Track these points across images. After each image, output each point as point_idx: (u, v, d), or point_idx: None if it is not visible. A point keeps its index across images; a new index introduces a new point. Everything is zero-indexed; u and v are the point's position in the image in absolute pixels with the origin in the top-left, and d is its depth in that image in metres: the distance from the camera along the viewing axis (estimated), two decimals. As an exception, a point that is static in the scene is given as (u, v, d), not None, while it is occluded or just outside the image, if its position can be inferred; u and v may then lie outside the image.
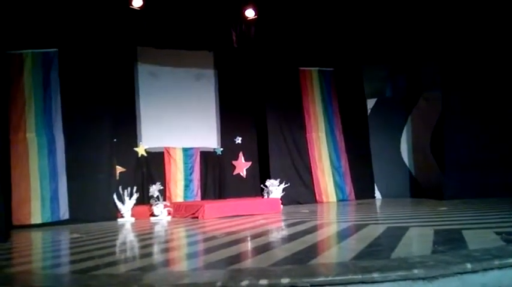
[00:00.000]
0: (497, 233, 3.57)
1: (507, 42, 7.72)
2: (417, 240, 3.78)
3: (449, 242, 3.40)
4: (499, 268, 2.58)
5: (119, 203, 7.25)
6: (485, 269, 2.55)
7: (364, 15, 8.61)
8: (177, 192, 8.64)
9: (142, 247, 4.44)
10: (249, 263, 3.17)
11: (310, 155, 9.37)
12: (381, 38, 9.09)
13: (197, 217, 6.89)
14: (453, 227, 4.29)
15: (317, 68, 9.67)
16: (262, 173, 9.25)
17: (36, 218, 6.64)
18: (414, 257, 2.85)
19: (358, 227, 4.67)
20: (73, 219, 6.82)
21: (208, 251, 3.76)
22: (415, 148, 9.49)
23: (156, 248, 4.28)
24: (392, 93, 9.82)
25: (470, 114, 7.99)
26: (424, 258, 2.77)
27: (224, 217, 6.85)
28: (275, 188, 8.23)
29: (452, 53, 8.22)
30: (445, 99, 8.32)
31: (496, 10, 7.62)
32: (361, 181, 9.61)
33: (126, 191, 7.27)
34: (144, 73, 8.72)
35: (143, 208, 7.57)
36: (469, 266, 2.54)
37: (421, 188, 9.25)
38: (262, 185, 8.47)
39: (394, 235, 3.93)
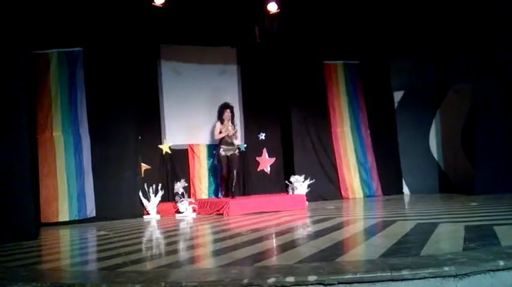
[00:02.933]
0: (532, 229, 3.44)
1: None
2: (447, 236, 3.67)
3: (480, 238, 3.29)
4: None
5: (144, 201, 7.33)
6: (518, 267, 2.45)
7: (390, 5, 8.42)
8: (202, 189, 8.68)
9: (168, 244, 4.46)
10: (275, 260, 3.13)
11: (335, 150, 9.26)
12: (408, 29, 8.86)
13: (222, 214, 6.90)
14: (484, 223, 4.16)
15: (342, 62, 9.53)
16: (286, 169, 9.19)
17: (64, 216, 6.76)
18: (445, 254, 2.76)
19: (386, 224, 4.58)
20: (100, 216, 6.92)
21: (234, 248, 3.73)
22: (445, 142, 9.25)
23: (182, 245, 4.29)
24: (420, 86, 9.57)
25: (502, 107, 7.74)
26: (455, 255, 2.69)
27: (249, 213, 6.83)
28: (300, 184, 8.17)
29: (483, 43, 7.95)
30: (476, 91, 8.08)
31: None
32: (388, 176, 9.44)
33: (151, 188, 7.34)
34: (167, 70, 8.76)
35: (168, 205, 7.63)
36: (501, 263, 2.45)
37: (450, 183, 9.03)
38: (286, 181, 8.42)
39: (424, 232, 3.84)
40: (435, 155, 9.39)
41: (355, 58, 9.56)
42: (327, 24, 8.80)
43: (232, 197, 7.76)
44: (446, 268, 2.38)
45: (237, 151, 8.17)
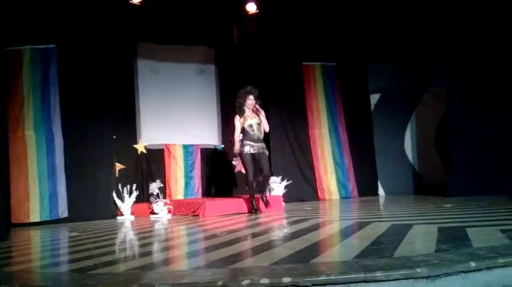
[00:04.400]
0: (503, 231, 3.51)
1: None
2: (421, 238, 3.71)
3: (453, 240, 3.34)
4: (504, 266, 2.53)
5: (118, 201, 7.22)
6: (489, 268, 2.50)
7: (368, 9, 8.52)
8: (177, 189, 8.60)
9: (142, 246, 4.39)
10: (250, 261, 3.11)
11: (312, 151, 9.30)
12: (386, 33, 8.98)
13: (198, 215, 6.85)
14: (457, 224, 4.22)
15: (320, 63, 9.58)
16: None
17: (35, 217, 6.62)
18: (417, 255, 2.79)
19: (361, 225, 4.61)
20: (72, 217, 6.80)
21: (209, 249, 3.70)
22: (419, 144, 9.39)
23: (156, 247, 4.23)
24: (396, 89, 9.71)
25: (476, 110, 7.88)
26: (428, 256, 2.72)
27: (225, 214, 6.80)
28: (277, 185, 8.18)
29: (459, 48, 8.11)
30: (450, 95, 8.23)
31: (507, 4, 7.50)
32: (364, 178, 9.53)
33: (125, 188, 7.24)
34: (144, 69, 8.65)
35: (143, 206, 7.53)
36: (473, 264, 2.48)
37: (425, 185, 9.16)
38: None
39: (398, 233, 3.87)
40: (410, 157, 9.52)
41: (333, 60, 9.62)
42: (306, 25, 8.83)
43: (267, 205, 6.88)
44: (418, 270, 2.40)
45: (265, 148, 6.85)
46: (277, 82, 9.14)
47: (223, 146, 9.20)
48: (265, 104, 9.14)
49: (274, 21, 8.64)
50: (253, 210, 6.82)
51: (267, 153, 6.91)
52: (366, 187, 9.50)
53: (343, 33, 9.14)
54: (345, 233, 4.34)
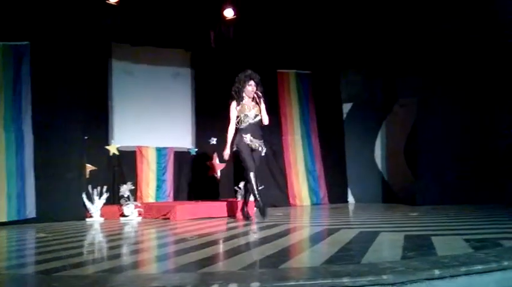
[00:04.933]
0: (466, 240, 3.62)
1: (483, 52, 7.86)
2: (388, 245, 3.80)
3: (418, 248, 3.43)
4: (466, 274, 2.60)
5: (88, 203, 7.09)
6: (452, 276, 2.56)
7: (342, 20, 8.68)
8: (149, 192, 8.51)
9: (111, 248, 4.35)
10: (220, 266, 3.12)
11: (285, 157, 9.38)
12: (359, 43, 9.18)
13: (169, 218, 6.80)
14: (423, 233, 4.34)
15: (295, 71, 9.68)
16: (236, 175, 9.20)
17: (2, 216, 6.43)
18: (384, 262, 2.85)
19: (331, 231, 4.68)
20: (40, 218, 6.62)
21: (178, 253, 3.69)
22: (389, 153, 9.60)
23: (125, 250, 4.19)
24: (368, 99, 9.92)
25: (444, 121, 8.14)
26: (394, 264, 2.78)
27: (196, 218, 6.78)
28: (249, 190, 8.18)
29: (429, 60, 8.35)
30: (420, 106, 8.46)
31: (476, 18, 7.74)
32: (335, 185, 9.67)
33: (96, 190, 7.12)
34: (119, 70, 8.56)
35: (113, 208, 7.42)
36: (437, 272, 2.54)
37: (393, 194, 9.37)
38: (236, 187, 8.42)
39: (366, 240, 3.95)
40: (379, 165, 9.71)
41: (308, 68, 9.74)
42: (281, 33, 8.92)
43: (262, 212, 5.81)
44: (384, 276, 2.45)
45: (263, 147, 6.12)
46: (252, 88, 9.17)
47: (196, 149, 9.17)
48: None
49: (251, 27, 8.70)
50: (246, 216, 6.18)
51: (264, 153, 6.17)
52: (337, 194, 9.63)
53: (319, 42, 9.28)
54: (315, 239, 4.40)
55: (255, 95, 6.01)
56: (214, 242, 4.35)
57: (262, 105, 6.08)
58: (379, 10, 8.41)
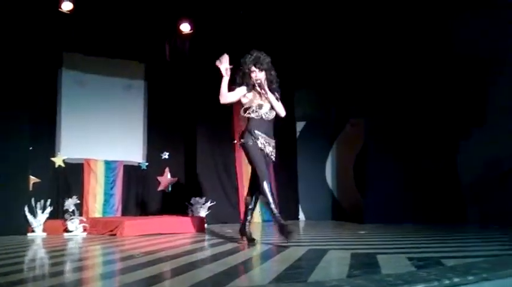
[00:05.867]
0: (410, 259, 3.72)
1: (431, 72, 8.16)
2: (335, 263, 3.85)
3: (364, 266, 3.49)
4: (409, 292, 2.67)
5: (30, 217, 6.77)
6: (395, 294, 2.63)
7: (295, 40, 8.87)
8: (96, 207, 8.25)
9: (53, 265, 4.15)
10: (166, 284, 3.05)
11: (238, 174, 9.38)
12: (312, 62, 9.40)
13: (115, 234, 6.59)
14: (370, 251, 4.43)
15: (249, 89, 9.73)
16: (188, 190, 9.10)
17: None
18: (331, 280, 2.88)
19: (280, 249, 4.69)
20: (-22, 232, 6.28)
21: (124, 271, 3.58)
22: (339, 172, 9.82)
23: (67, 267, 4.02)
24: (321, 118, 10.12)
25: (392, 142, 8.38)
26: (340, 281, 2.80)
27: (145, 234, 6.61)
28: (200, 206, 8.12)
29: (376, 82, 8.63)
30: (367, 126, 8.71)
31: (424, 40, 8.07)
32: (286, 202, 9.72)
33: (39, 203, 6.81)
34: (70, 80, 8.32)
35: (57, 223, 7.10)
36: (381, 291, 2.60)
37: (343, 211, 9.56)
38: (186, 203, 8.32)
39: (314, 257, 3.99)
40: (330, 184, 9.90)
41: (261, 86, 9.80)
42: (237, 50, 8.96)
43: (284, 230, 4.76)
44: (330, 295, 2.49)
45: (274, 150, 5.04)
46: (207, 103, 9.12)
47: (147, 163, 9.01)
48: (193, 123, 9.13)
49: (207, 43, 8.71)
50: (249, 239, 5.13)
51: (274, 158, 5.11)
52: (288, 211, 9.65)
53: (273, 60, 9.38)
54: (264, 257, 4.39)
55: (257, 85, 4.84)
56: (162, 260, 4.25)
57: (270, 96, 4.87)
58: (331, 31, 8.66)
